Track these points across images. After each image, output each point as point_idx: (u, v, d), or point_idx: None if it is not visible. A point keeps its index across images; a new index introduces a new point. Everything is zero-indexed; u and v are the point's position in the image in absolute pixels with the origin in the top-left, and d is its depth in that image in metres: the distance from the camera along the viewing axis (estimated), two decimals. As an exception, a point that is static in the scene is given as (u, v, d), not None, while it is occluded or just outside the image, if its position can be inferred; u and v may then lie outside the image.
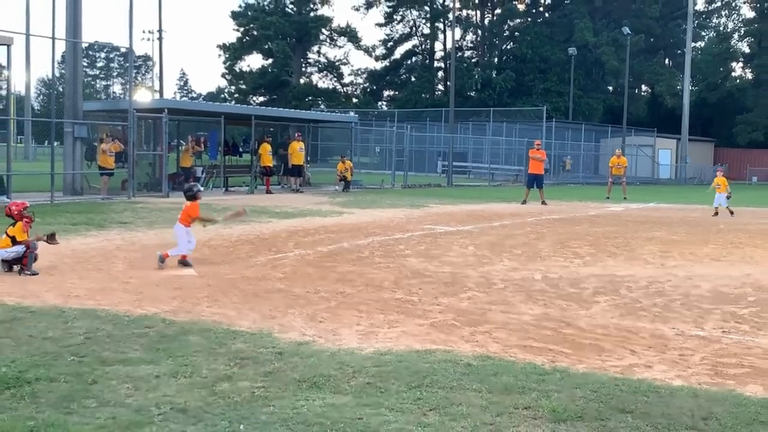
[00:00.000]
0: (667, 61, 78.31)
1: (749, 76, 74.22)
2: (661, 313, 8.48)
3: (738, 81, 75.69)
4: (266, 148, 29.29)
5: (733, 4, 78.03)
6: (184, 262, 10.83)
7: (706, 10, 78.80)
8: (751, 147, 65.25)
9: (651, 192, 39.90)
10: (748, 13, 76.40)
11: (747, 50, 74.29)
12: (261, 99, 77.62)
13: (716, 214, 23.05)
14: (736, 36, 76.56)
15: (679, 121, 59.14)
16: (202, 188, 12.04)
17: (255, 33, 76.10)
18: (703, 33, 79.24)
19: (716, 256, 13.60)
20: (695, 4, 65.75)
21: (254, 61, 79.32)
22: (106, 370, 5.72)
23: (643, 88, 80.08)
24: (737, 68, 77.52)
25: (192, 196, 11.29)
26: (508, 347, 6.82)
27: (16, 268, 9.98)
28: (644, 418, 4.95)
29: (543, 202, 26.10)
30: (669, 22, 73.78)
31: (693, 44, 64.92)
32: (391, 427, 4.66)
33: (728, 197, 23.47)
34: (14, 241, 9.92)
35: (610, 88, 75.51)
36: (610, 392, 5.49)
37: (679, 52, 69.02)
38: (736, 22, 78.85)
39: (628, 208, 26.64)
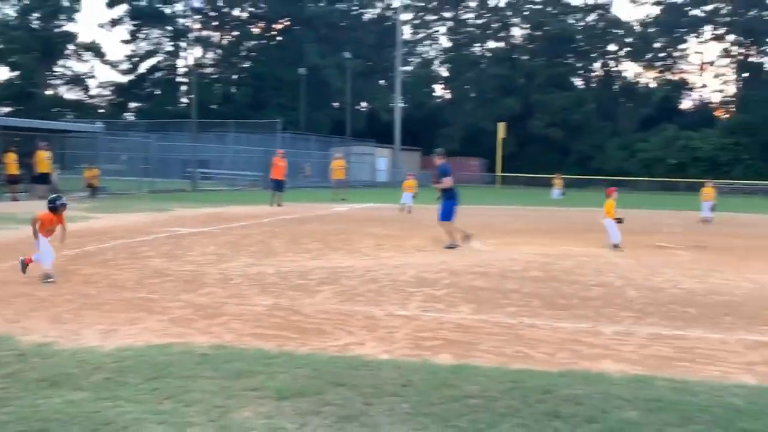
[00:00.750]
0: (382, 82, 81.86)
1: (448, 95, 79.62)
2: (374, 298, 8.87)
3: (439, 100, 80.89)
4: (11, 157, 26.92)
5: (434, 35, 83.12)
6: (45, 276, 9.47)
7: (412, 39, 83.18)
8: (451, 155, 70.19)
9: (371, 194, 41.53)
10: (445, 43, 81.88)
11: (446, 74, 79.68)
12: (7, 110, 71.13)
13: (404, 211, 24.55)
14: (437, 62, 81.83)
15: (393, 133, 62.20)
16: (65, 201, 10.40)
17: (0, 47, 69.74)
18: (411, 59, 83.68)
19: (420, 247, 14.43)
20: (403, 33, 69.41)
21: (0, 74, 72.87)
22: None
23: (363, 104, 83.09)
24: (438, 89, 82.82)
25: (53, 208, 9.82)
26: (241, 336, 6.81)
27: None
28: (355, 389, 5.16)
29: (279, 204, 26.31)
30: (383, 50, 77.14)
31: (402, 68, 68.43)
32: (127, 417, 4.49)
33: (414, 196, 25.23)
34: None
35: (336, 104, 77.58)
36: (328, 369, 5.65)
37: (391, 74, 72.36)
38: (436, 50, 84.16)
39: (351, 208, 27.55)
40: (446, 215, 14.46)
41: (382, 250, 13.92)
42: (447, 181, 14.37)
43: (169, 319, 7.44)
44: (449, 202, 14.41)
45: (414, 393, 5.14)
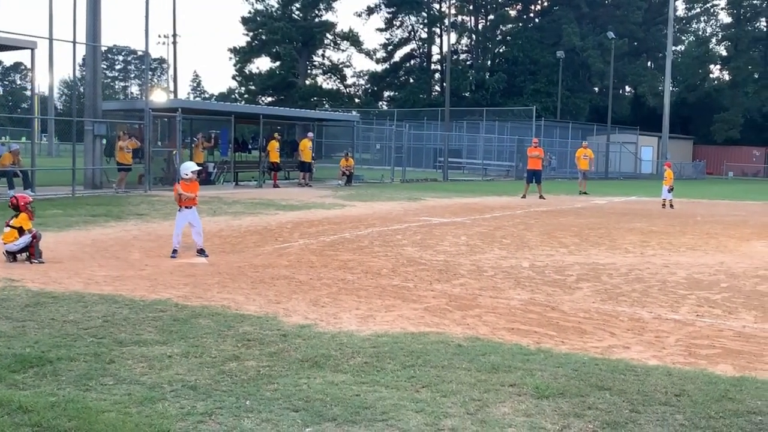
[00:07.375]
0: (649, 63, 78.17)
1: (726, 77, 74.18)
2: (639, 299, 8.52)
3: (716, 82, 75.60)
4: (274, 145, 29.25)
5: (712, 11, 77.76)
6: None
7: (686, 15, 78.54)
8: (728, 144, 65.33)
9: (633, 186, 39.89)
10: (725, 18, 76.32)
11: (724, 53, 74.26)
12: (269, 99, 77.55)
13: (664, 206, 23.10)
14: (714, 40, 76.48)
15: (661, 119, 58.99)
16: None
17: (263, 37, 76.07)
18: (683, 37, 79.09)
19: (692, 246, 13.63)
20: (676, 10, 65.69)
21: (263, 64, 79.65)
22: (122, 351, 5.75)
23: (627, 88, 79.93)
24: (715, 70, 77.44)
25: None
26: (496, 329, 6.86)
27: (20, 257, 9.81)
28: (621, 395, 4.99)
29: (541, 196, 25.95)
30: (651, 27, 73.64)
31: (673, 48, 64.76)
32: (386, 403, 4.70)
33: (670, 190, 23.43)
34: (20, 232, 9.79)
35: (596, 88, 75.34)
36: (590, 371, 5.52)
37: (660, 55, 68.85)
38: (714, 27, 78.73)
39: (611, 201, 26.66)
40: None
41: (648, 247, 13.31)
42: None
43: (424, 308, 7.68)
44: None
45: (689, 403, 4.86)
